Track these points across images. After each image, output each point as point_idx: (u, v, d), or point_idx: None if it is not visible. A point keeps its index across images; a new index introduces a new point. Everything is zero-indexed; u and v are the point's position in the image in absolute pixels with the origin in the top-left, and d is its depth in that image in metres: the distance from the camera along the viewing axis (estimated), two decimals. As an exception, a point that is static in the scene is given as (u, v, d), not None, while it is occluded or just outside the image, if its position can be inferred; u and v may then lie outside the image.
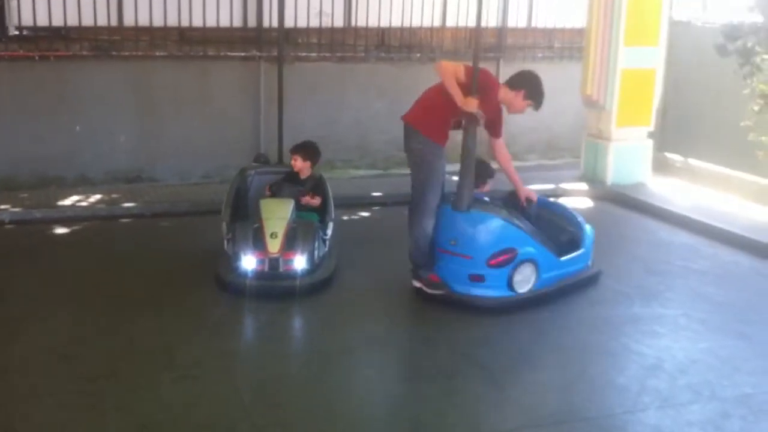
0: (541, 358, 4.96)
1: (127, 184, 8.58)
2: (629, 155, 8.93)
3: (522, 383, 4.65)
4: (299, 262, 5.70)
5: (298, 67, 9.25)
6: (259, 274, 5.66)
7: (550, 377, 4.68)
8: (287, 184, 6.42)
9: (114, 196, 7.96)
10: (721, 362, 4.88)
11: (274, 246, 5.68)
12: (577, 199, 8.71)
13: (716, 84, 9.00)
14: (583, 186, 8.91)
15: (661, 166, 9.49)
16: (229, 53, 9.00)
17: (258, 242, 5.72)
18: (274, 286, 5.65)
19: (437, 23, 10.04)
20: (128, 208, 7.65)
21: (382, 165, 9.88)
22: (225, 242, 5.97)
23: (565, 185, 8.91)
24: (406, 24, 9.83)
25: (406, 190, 8.49)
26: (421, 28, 9.92)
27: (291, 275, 5.68)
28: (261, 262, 5.67)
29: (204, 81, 9.00)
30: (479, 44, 5.99)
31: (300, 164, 6.46)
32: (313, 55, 9.46)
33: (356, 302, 5.71)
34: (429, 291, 5.61)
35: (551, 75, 10.53)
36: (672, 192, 8.71)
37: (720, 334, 5.29)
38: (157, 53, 8.72)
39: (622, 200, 8.49)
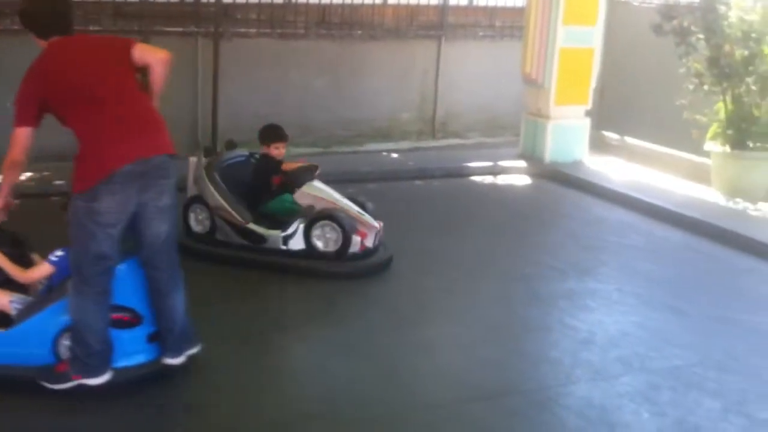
0: (475, 333, 4.97)
1: (58, 162, 8.35)
2: (567, 133, 9.00)
3: (455, 357, 4.65)
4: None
5: (236, 43, 9.10)
6: (365, 252, 5.75)
7: (485, 352, 4.69)
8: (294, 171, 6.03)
9: (45, 173, 7.77)
10: (651, 335, 4.97)
11: (371, 221, 5.82)
12: (515, 177, 8.78)
13: (653, 63, 9.13)
14: (522, 164, 8.98)
15: (598, 145, 9.60)
16: (165, 28, 8.81)
17: (354, 221, 5.72)
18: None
19: (378, 0, 9.98)
20: (59, 186, 7.48)
21: (324, 143, 9.81)
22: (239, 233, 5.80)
23: (503, 163, 8.97)
24: (348, 1, 9.74)
25: (347, 167, 8.55)
26: (362, 5, 9.84)
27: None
28: (365, 240, 5.74)
29: (140, 57, 8.81)
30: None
31: (283, 150, 6.16)
32: (253, 31, 9.32)
33: (289, 280, 5.66)
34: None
35: (493, 53, 10.67)
36: (609, 170, 8.82)
37: (652, 308, 5.38)
38: (91, 27, 8.48)
39: (560, 177, 8.58)
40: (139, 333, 4.08)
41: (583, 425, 3.94)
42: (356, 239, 5.65)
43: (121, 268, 4.01)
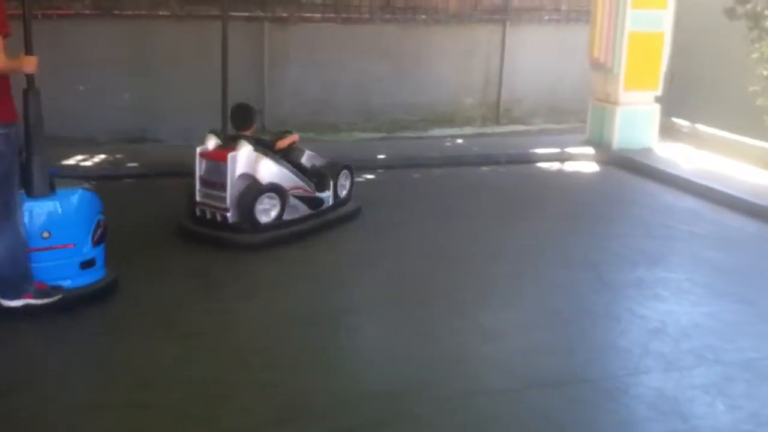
0: (539, 319, 4.92)
1: (130, 144, 8.53)
2: (636, 119, 8.85)
3: (518, 344, 4.59)
4: None
5: (301, 28, 9.14)
6: None
7: (551, 339, 4.65)
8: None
9: (118, 156, 7.93)
10: (724, 326, 4.85)
11: None
12: (582, 164, 8.66)
13: (725, 48, 8.89)
14: (589, 150, 8.85)
15: (667, 131, 9.42)
16: (232, 13, 8.88)
17: None
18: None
19: (443, -15, 9.93)
20: (131, 168, 7.63)
21: (387, 128, 9.82)
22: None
23: (570, 149, 8.86)
24: (412, -15, 9.71)
25: (412, 152, 8.55)
26: (427, -11, 9.81)
27: None
28: None
29: (206, 41, 8.87)
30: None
31: None
32: (317, 16, 9.35)
33: (356, 264, 5.70)
34: (42, 302, 4.55)
35: (558, 38, 10.53)
36: (678, 157, 8.64)
37: (724, 299, 5.26)
38: (160, 12, 8.64)
39: (628, 164, 8.44)
40: None
41: (654, 415, 3.87)
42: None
43: None
